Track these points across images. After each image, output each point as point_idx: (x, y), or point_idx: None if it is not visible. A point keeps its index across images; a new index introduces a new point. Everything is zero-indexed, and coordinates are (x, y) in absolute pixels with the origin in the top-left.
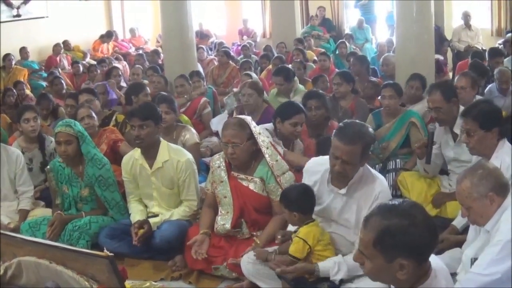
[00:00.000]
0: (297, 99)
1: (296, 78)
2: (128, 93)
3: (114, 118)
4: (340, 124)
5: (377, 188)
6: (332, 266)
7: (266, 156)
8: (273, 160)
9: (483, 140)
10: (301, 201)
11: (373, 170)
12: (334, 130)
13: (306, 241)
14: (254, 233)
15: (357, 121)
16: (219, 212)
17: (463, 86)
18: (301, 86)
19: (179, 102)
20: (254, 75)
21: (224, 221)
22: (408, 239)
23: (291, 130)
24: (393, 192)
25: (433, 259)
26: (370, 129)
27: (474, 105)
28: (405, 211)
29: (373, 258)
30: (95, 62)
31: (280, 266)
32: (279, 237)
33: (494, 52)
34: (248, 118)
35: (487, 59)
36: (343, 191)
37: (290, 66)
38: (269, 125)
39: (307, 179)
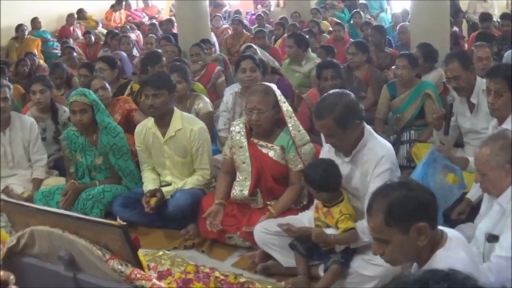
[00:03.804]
0: (309, 66)
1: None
2: (144, 62)
3: (129, 87)
4: None
5: (380, 153)
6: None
7: (289, 125)
8: (296, 130)
9: (509, 101)
10: (326, 181)
11: (379, 137)
12: None
13: (351, 215)
14: (269, 203)
15: (334, 91)
16: (237, 177)
17: (480, 56)
18: (313, 54)
19: (193, 68)
20: (258, 49)
21: (241, 187)
22: (413, 203)
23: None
24: (407, 163)
25: (449, 230)
26: (347, 97)
27: (499, 66)
28: (397, 183)
29: (391, 237)
30: (104, 32)
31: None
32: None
33: (504, 16)
34: (273, 86)
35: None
36: (347, 159)
37: None
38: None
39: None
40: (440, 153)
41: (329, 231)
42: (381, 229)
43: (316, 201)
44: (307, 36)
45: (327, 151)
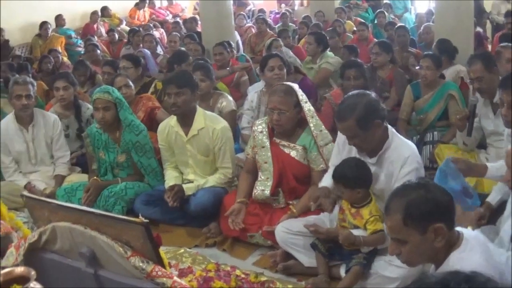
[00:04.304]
0: (320, 63)
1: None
2: (171, 61)
3: (153, 85)
4: None
5: (406, 153)
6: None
7: (311, 125)
8: (317, 130)
9: None
10: (362, 176)
11: (403, 138)
12: None
13: (380, 216)
14: (290, 202)
15: (354, 92)
16: (259, 177)
17: (509, 58)
18: (329, 53)
19: (219, 74)
20: (284, 48)
21: (263, 187)
22: (431, 203)
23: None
24: (430, 164)
25: (467, 231)
26: (368, 98)
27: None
28: (416, 184)
29: (408, 237)
30: (128, 29)
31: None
32: (312, 203)
33: None
34: (295, 85)
35: None
36: (373, 160)
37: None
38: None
39: (341, 145)
40: (456, 164)
41: (356, 232)
42: (398, 229)
43: (341, 203)
44: (328, 36)
45: (348, 150)
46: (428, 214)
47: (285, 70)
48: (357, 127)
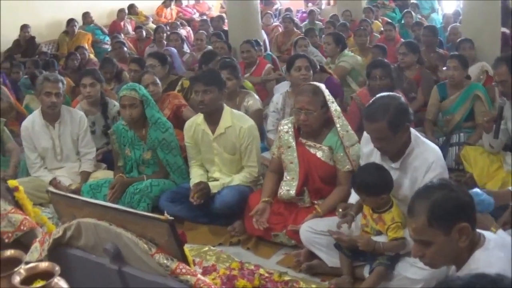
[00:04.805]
0: (338, 62)
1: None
2: (202, 61)
3: (180, 83)
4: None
5: (430, 158)
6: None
7: (338, 125)
8: (344, 131)
9: None
10: (384, 181)
11: (425, 139)
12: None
13: (402, 223)
14: (316, 202)
15: (385, 93)
16: (284, 177)
17: None
18: (347, 52)
19: (251, 80)
20: (311, 48)
21: (289, 187)
22: (455, 203)
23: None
24: (455, 166)
25: (486, 232)
26: (399, 100)
27: None
28: (438, 185)
29: (433, 238)
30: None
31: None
32: (340, 210)
33: None
34: (322, 85)
35: None
36: (396, 165)
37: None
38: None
39: (364, 146)
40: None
41: (379, 238)
42: (423, 230)
43: (363, 208)
44: (356, 36)
45: (369, 153)
46: (453, 213)
47: (312, 71)
48: (388, 129)
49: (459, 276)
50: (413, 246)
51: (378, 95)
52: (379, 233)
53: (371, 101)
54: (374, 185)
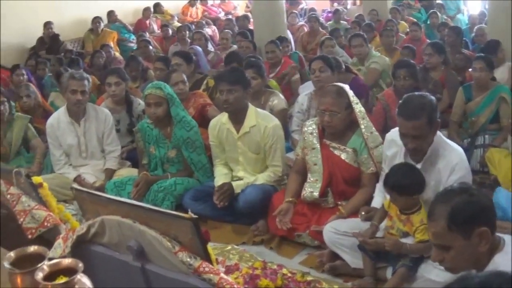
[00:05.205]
0: (369, 63)
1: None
2: (225, 62)
3: (205, 82)
4: (401, 100)
5: (454, 159)
6: None
7: (362, 127)
8: (368, 132)
9: None
10: (418, 180)
11: (448, 141)
12: (397, 108)
13: None
14: (339, 203)
15: (416, 93)
16: (308, 178)
17: None
18: (374, 52)
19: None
20: (337, 48)
21: (312, 189)
22: (475, 207)
23: None
24: (480, 168)
25: (505, 236)
26: (431, 97)
27: None
28: (458, 189)
29: (452, 242)
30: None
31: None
32: (363, 213)
33: None
34: (346, 87)
35: None
36: (419, 165)
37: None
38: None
39: (387, 149)
40: None
41: (405, 240)
42: (443, 234)
43: (390, 210)
44: (383, 36)
45: (393, 155)
46: (473, 218)
47: (329, 72)
48: (427, 125)
49: (478, 273)
50: (433, 250)
51: (409, 95)
52: (405, 235)
53: (403, 100)
54: (409, 185)
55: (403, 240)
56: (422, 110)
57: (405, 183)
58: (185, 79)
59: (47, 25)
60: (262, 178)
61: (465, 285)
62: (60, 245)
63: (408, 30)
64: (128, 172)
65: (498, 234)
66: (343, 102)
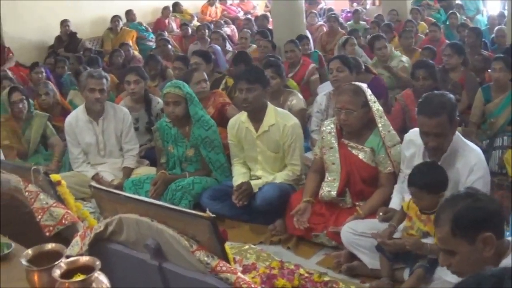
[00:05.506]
0: (393, 64)
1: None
2: (233, 62)
3: (224, 81)
4: (420, 99)
5: (473, 160)
6: None
7: (379, 125)
8: (386, 131)
9: None
10: (443, 177)
11: (467, 141)
12: (417, 106)
13: None
14: (357, 203)
15: (436, 91)
16: (326, 178)
17: None
18: (396, 53)
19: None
20: (357, 48)
21: (330, 188)
22: (479, 213)
23: None
24: (499, 170)
25: None
26: (450, 95)
27: None
28: (464, 194)
29: (457, 248)
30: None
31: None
32: (380, 214)
33: None
34: (364, 85)
35: None
36: None
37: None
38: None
39: (405, 149)
40: None
41: (428, 240)
42: (447, 240)
43: (409, 210)
44: (403, 37)
45: (411, 155)
46: (476, 224)
47: (346, 72)
48: (448, 123)
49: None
50: (440, 255)
51: (427, 93)
52: (425, 235)
53: (423, 98)
54: (436, 182)
55: (423, 241)
56: (443, 108)
57: (433, 180)
58: (207, 78)
59: (64, 23)
60: (280, 177)
61: (478, 277)
62: (78, 243)
63: (427, 30)
64: (146, 170)
65: (508, 238)
66: (360, 101)
